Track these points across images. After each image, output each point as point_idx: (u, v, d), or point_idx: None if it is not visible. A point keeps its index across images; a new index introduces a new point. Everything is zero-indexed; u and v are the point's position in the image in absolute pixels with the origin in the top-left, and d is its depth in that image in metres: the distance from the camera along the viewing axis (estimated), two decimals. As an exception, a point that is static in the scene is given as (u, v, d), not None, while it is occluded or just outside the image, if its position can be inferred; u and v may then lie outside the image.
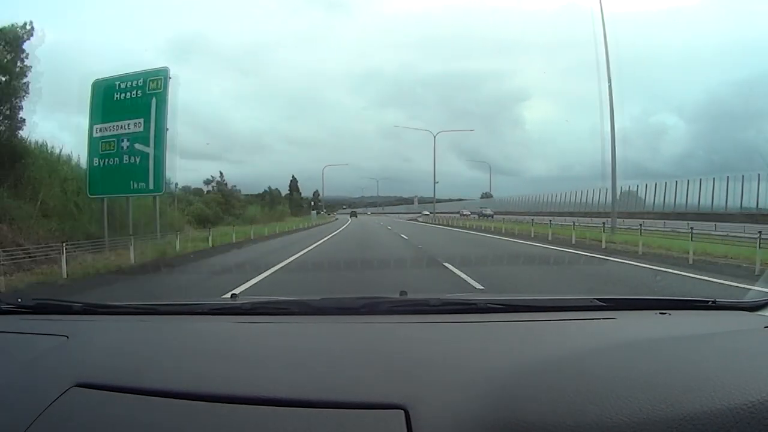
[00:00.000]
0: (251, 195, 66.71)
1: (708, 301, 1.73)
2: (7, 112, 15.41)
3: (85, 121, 16.25)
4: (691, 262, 10.59)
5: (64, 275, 9.54)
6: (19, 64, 15.69)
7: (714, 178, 31.99)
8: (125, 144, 15.63)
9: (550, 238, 18.52)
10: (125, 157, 15.64)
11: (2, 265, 8.74)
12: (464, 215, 54.01)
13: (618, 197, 23.34)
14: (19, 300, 1.82)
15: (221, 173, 54.04)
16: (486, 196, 76.54)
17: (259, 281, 8.43)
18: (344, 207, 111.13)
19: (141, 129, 15.55)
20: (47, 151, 17.61)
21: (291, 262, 12.15)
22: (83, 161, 17.12)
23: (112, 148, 15.75)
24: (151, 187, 15.66)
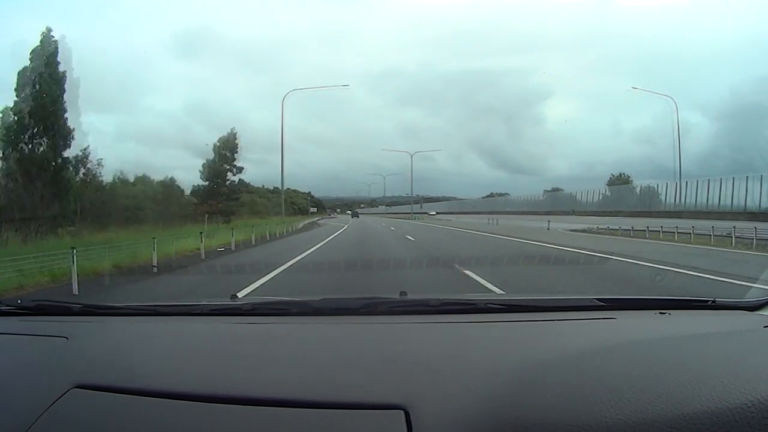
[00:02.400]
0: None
1: (708, 301, 1.72)
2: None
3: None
4: None
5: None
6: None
7: (734, 178, 27.75)
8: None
9: None
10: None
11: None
12: None
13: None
14: (19, 301, 1.82)
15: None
16: (617, 181, 40.55)
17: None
18: (361, 206, 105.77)
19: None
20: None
21: None
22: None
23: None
24: None
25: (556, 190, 47.23)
